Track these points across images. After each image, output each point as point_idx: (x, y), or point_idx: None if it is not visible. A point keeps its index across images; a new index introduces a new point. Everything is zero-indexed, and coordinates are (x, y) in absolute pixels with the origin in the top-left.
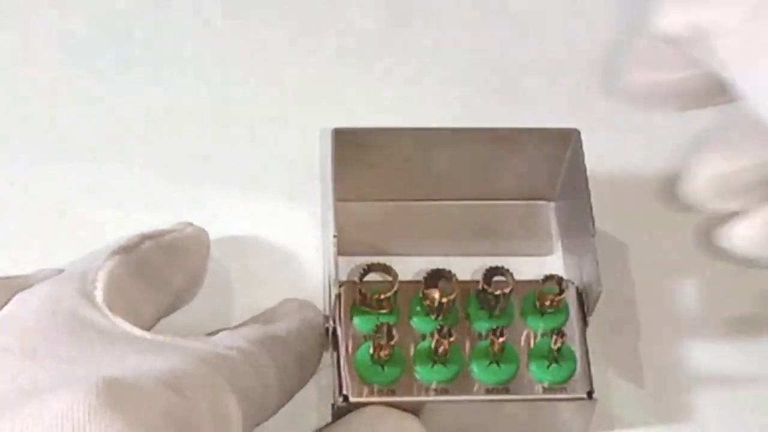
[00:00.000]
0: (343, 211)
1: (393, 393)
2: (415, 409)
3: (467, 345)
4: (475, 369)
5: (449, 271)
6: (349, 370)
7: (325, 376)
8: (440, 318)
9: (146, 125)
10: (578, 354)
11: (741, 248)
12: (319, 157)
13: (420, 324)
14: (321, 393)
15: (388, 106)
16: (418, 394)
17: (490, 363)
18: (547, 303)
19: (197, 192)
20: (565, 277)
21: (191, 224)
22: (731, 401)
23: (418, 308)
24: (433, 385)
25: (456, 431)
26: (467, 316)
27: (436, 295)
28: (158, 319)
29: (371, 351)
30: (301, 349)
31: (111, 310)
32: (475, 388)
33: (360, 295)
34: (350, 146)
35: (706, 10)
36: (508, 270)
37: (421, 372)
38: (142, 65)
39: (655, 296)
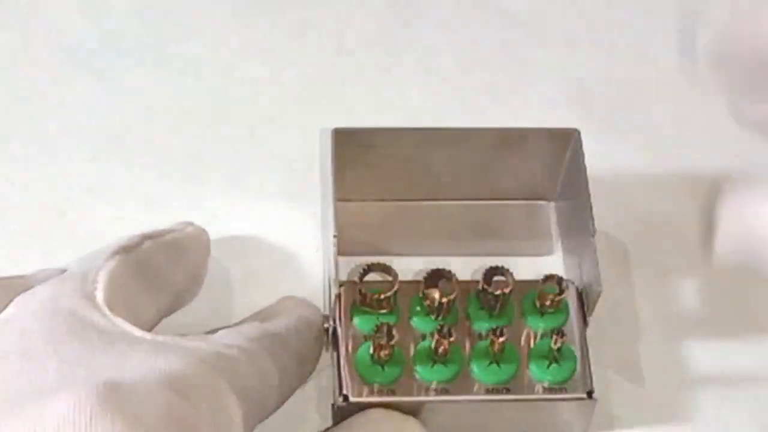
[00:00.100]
0: (343, 211)
1: (393, 393)
2: (415, 409)
3: (467, 345)
4: (475, 369)
5: (449, 271)
6: (349, 370)
7: (325, 376)
8: (440, 318)
9: (146, 125)
10: (578, 354)
11: None
12: (319, 157)
13: (420, 324)
14: (321, 393)
15: (388, 106)
16: (418, 394)
17: (490, 363)
18: (547, 303)
19: (197, 192)
20: (565, 277)
21: (191, 224)
22: (731, 401)
23: (418, 308)
24: (433, 385)
25: (456, 431)
26: (467, 316)
27: (436, 295)
28: (159, 320)
29: (371, 351)
30: (300, 346)
31: (111, 310)
32: (475, 388)
33: (360, 295)
34: (350, 146)
35: None
36: (508, 270)
37: (421, 372)
38: (142, 65)
39: (655, 296)
